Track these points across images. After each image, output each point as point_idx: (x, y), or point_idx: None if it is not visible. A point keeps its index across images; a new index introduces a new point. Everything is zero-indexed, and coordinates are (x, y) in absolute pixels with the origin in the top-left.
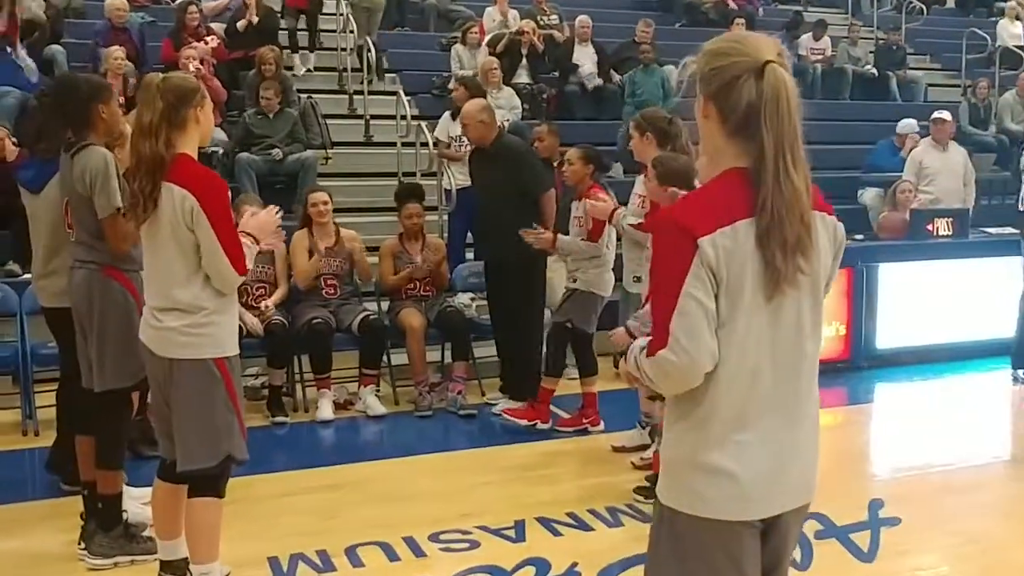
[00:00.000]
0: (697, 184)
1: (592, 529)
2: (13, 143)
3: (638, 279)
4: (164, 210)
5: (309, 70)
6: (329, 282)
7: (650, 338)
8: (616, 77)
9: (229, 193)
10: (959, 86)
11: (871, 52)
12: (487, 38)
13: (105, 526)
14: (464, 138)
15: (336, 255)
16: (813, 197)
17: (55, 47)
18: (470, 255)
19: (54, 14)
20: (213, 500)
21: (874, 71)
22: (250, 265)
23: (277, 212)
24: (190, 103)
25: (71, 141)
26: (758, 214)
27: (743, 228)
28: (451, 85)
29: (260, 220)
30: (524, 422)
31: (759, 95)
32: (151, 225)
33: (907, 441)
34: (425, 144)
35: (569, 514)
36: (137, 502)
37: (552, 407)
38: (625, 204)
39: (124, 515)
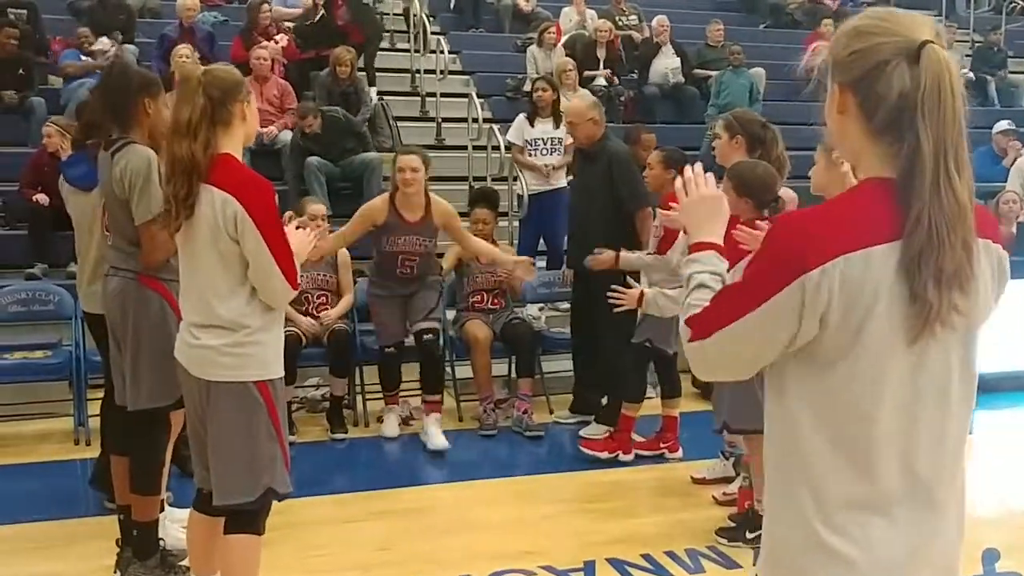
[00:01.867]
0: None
1: (670, 575)
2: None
3: None
4: (203, 216)
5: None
6: (407, 262)
7: (700, 309)
8: (704, 74)
9: (276, 197)
10: None
11: (967, 55)
12: (563, 39)
13: (140, 555)
14: (544, 141)
15: (422, 232)
16: (977, 218)
17: (128, 46)
18: (541, 264)
19: (128, 14)
20: (251, 537)
21: (970, 75)
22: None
23: (313, 234)
24: (236, 98)
25: (112, 138)
26: (908, 235)
27: (879, 255)
28: (526, 87)
29: (300, 240)
30: (605, 454)
31: (915, 83)
32: (187, 233)
33: (1017, 480)
34: (497, 147)
35: (644, 556)
36: (179, 525)
37: None
38: None
39: (161, 543)
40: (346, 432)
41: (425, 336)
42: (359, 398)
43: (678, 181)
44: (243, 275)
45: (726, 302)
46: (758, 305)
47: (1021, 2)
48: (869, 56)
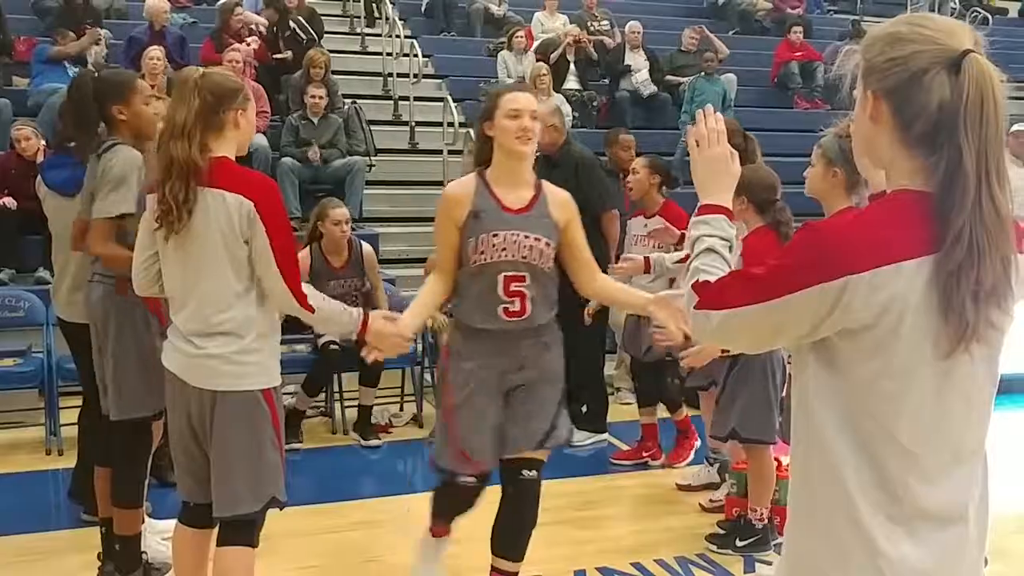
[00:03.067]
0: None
1: None
2: (43, 145)
3: None
4: (210, 221)
5: None
6: (514, 287)
7: (709, 279)
8: (676, 80)
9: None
10: None
11: None
12: (535, 44)
13: (123, 569)
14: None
15: (532, 224)
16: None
17: (95, 48)
18: None
19: (94, 15)
20: (247, 550)
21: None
22: (330, 335)
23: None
24: (230, 105)
25: (99, 141)
26: (948, 250)
27: (910, 270)
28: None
29: (386, 331)
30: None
31: (956, 94)
32: (182, 240)
33: (1006, 483)
34: None
35: (635, 564)
36: (160, 536)
37: (610, 437)
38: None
39: (144, 556)
40: (379, 439)
41: (524, 473)
42: (337, 406)
43: (691, 135)
44: (251, 279)
45: (740, 284)
46: (771, 299)
47: (982, 11)
48: (907, 64)
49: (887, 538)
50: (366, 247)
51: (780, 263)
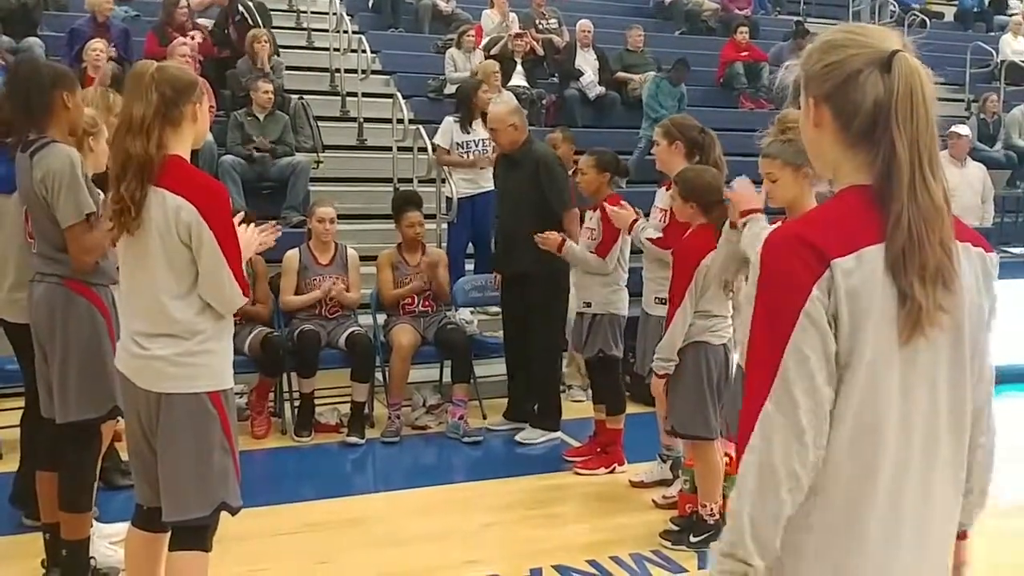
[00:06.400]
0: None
1: None
2: None
3: (661, 300)
4: (152, 220)
5: None
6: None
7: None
8: (625, 78)
9: (230, 202)
10: (962, 100)
11: None
12: (484, 41)
13: (70, 575)
14: (475, 144)
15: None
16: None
17: (32, 39)
18: (470, 267)
19: (33, 5)
20: (199, 554)
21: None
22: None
23: (262, 229)
24: (188, 98)
25: (29, 139)
26: (890, 236)
27: (869, 256)
28: (447, 89)
29: (246, 239)
30: (602, 471)
31: (888, 90)
32: (131, 238)
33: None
34: (423, 149)
35: (590, 562)
36: (107, 541)
37: (562, 435)
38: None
39: (92, 562)
40: (363, 438)
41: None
42: (287, 405)
43: None
44: (194, 280)
45: (751, 370)
46: (793, 324)
47: (920, 15)
48: (842, 67)
49: (869, 537)
50: (351, 250)
51: (770, 297)
